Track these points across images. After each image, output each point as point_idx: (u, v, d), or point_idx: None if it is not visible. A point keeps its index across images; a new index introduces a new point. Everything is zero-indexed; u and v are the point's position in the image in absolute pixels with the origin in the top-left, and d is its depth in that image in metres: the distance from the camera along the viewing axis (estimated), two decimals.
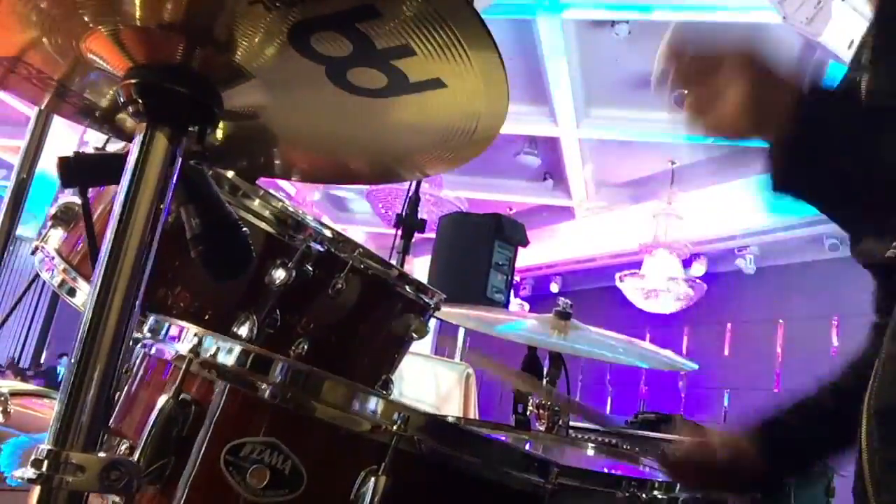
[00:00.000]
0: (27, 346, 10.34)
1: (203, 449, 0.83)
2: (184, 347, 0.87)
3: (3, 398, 1.51)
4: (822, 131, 0.83)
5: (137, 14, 0.68)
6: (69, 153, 0.86)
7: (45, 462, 0.63)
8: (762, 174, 0.89)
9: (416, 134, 0.83)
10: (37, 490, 0.63)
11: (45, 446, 0.64)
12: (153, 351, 0.95)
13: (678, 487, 1.17)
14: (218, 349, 0.86)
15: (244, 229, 0.89)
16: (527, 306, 8.33)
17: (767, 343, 6.90)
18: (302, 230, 1.19)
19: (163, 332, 0.94)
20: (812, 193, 0.89)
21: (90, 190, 1.23)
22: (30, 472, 0.63)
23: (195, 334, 0.88)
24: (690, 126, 0.90)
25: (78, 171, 0.86)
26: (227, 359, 0.85)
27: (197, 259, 0.86)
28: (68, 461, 0.64)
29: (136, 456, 0.81)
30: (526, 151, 6.69)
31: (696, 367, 2.10)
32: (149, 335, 0.96)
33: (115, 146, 1.19)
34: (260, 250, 1.16)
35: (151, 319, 0.96)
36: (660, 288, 6.64)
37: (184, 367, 0.85)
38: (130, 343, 0.72)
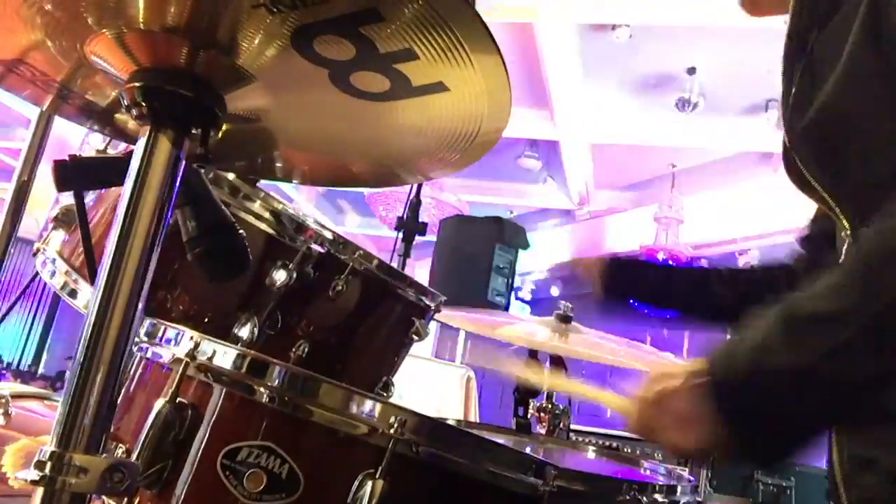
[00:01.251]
0: (27, 349, 10.33)
1: (200, 453, 0.83)
2: (180, 351, 0.87)
3: (4, 400, 1.51)
4: None
5: (141, 17, 0.68)
6: (65, 157, 0.86)
7: (49, 464, 0.63)
8: None
9: (419, 137, 0.83)
10: (39, 492, 0.63)
11: (49, 448, 0.64)
12: (150, 354, 0.95)
13: (680, 491, 1.17)
14: (215, 353, 0.86)
15: (241, 231, 0.89)
16: (528, 309, 8.32)
17: None
18: (302, 232, 1.19)
19: (159, 335, 0.94)
20: None
21: (92, 193, 1.24)
22: (33, 474, 0.63)
23: (192, 338, 0.88)
24: None
25: (74, 174, 0.86)
26: (224, 362, 0.85)
27: (194, 261, 0.86)
28: (71, 463, 0.64)
29: (132, 459, 0.81)
30: (527, 154, 6.69)
31: None
32: (145, 339, 0.96)
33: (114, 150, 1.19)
34: (260, 252, 1.16)
35: (148, 323, 0.96)
36: None
37: (180, 370, 0.85)
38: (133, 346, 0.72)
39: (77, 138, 1.27)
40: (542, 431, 1.84)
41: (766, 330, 0.78)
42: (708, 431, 0.79)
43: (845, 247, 0.90)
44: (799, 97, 0.91)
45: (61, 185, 0.85)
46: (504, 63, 0.67)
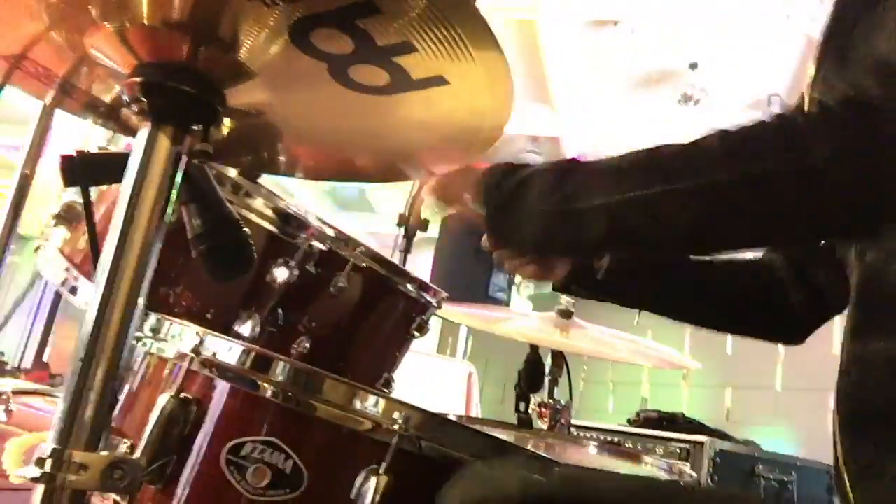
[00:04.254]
0: (29, 345, 10.33)
1: (204, 448, 0.83)
2: (185, 346, 0.87)
3: (4, 397, 1.51)
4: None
5: (143, 12, 0.68)
6: (72, 152, 0.86)
7: (49, 461, 0.63)
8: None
9: (421, 131, 0.83)
10: (40, 489, 0.63)
11: (49, 445, 0.64)
12: (154, 350, 0.95)
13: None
14: (219, 348, 0.86)
15: (245, 228, 0.88)
16: (529, 305, 8.31)
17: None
18: (304, 229, 1.19)
19: (164, 331, 0.94)
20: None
21: (91, 189, 1.24)
22: (33, 471, 0.63)
23: (196, 333, 0.88)
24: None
25: (81, 170, 0.86)
26: (228, 358, 0.85)
27: (198, 258, 0.86)
28: (71, 460, 0.64)
29: (137, 455, 0.81)
30: (528, 150, 6.68)
31: (698, 365, 2.10)
32: (150, 334, 0.96)
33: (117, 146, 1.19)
34: (262, 249, 1.16)
35: (152, 318, 0.96)
36: None
37: (185, 366, 0.85)
38: (133, 342, 0.72)
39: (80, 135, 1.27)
40: (544, 427, 1.84)
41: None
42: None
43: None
44: (829, 75, 0.88)
45: (68, 181, 0.85)
46: (505, 56, 0.67)
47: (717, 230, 0.84)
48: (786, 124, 0.79)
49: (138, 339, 0.96)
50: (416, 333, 1.41)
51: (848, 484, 0.82)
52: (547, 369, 1.91)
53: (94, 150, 1.17)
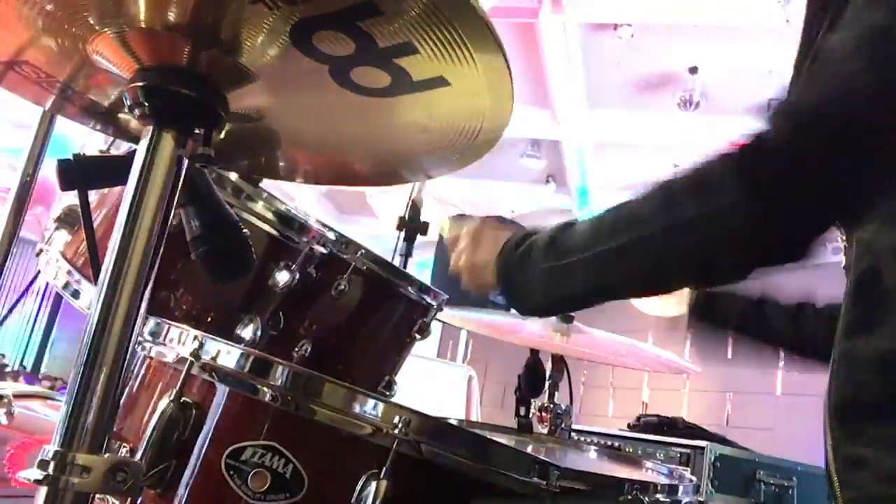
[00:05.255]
0: (29, 349, 10.34)
1: (204, 452, 0.83)
2: (185, 350, 0.87)
3: (6, 400, 1.51)
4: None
5: (143, 16, 0.68)
6: (68, 156, 0.86)
7: (52, 463, 0.63)
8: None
9: (421, 133, 0.83)
10: (43, 491, 0.63)
11: (52, 447, 0.64)
12: (154, 353, 0.95)
13: (682, 490, 1.17)
14: (219, 352, 0.86)
15: (245, 231, 0.89)
16: None
17: None
18: (305, 232, 1.19)
19: (164, 334, 0.94)
20: None
21: (94, 192, 1.24)
22: (36, 474, 0.63)
23: (196, 337, 0.88)
24: None
25: (78, 173, 0.86)
26: (228, 362, 0.85)
27: (197, 260, 0.86)
28: (74, 462, 0.64)
29: (136, 459, 0.81)
30: (528, 154, 6.69)
31: (698, 370, 2.10)
32: (149, 338, 0.96)
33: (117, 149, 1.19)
34: (263, 252, 1.16)
35: (152, 322, 0.96)
36: None
37: (185, 370, 0.85)
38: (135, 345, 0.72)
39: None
40: (544, 431, 1.84)
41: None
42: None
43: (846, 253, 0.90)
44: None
45: (65, 185, 0.85)
46: (506, 57, 0.67)
47: (658, 279, 0.91)
48: (703, 171, 0.83)
49: (138, 342, 0.96)
50: (418, 336, 1.41)
51: (835, 476, 0.83)
52: (547, 373, 1.90)
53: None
